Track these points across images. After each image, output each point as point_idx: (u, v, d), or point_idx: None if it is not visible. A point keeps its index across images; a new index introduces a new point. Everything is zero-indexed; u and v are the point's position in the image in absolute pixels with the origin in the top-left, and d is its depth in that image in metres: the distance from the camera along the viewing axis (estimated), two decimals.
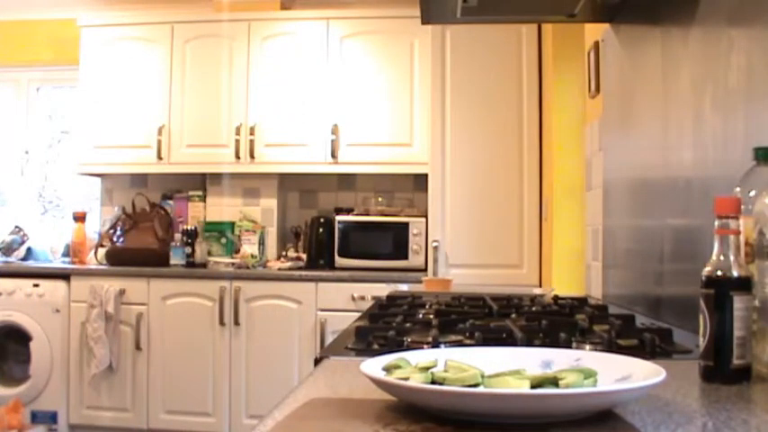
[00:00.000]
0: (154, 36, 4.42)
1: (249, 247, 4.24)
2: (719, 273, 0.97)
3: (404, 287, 2.92)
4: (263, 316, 3.91)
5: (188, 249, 4.23)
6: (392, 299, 2.02)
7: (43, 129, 4.98)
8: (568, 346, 1.21)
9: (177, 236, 4.34)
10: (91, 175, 4.69)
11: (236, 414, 3.90)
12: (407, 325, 1.46)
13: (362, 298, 3.73)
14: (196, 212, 4.47)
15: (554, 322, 1.48)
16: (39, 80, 4.96)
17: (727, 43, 1.40)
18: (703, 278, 0.98)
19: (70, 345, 4.02)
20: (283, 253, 4.42)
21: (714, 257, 0.98)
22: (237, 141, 4.24)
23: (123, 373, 3.97)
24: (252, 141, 4.23)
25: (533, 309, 1.79)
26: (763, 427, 0.76)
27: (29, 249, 4.48)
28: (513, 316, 1.64)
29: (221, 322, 3.92)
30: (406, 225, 4.06)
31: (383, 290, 3.02)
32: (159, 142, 4.33)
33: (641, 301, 1.99)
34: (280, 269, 4.06)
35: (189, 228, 4.28)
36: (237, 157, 4.24)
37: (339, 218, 4.17)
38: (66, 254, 4.53)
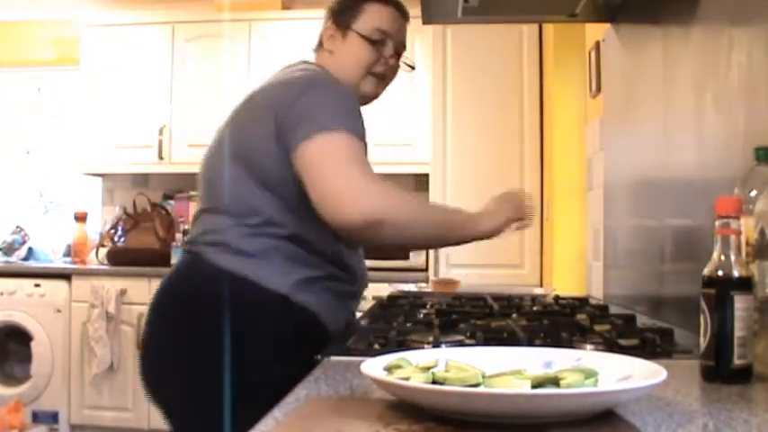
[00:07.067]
0: (155, 36, 4.42)
1: None
2: (720, 273, 0.97)
3: (411, 287, 2.92)
4: None
5: None
6: (393, 299, 2.02)
7: (44, 129, 4.98)
8: (569, 346, 1.21)
9: (178, 236, 4.34)
10: (92, 175, 4.69)
11: None
12: (408, 325, 1.47)
13: (363, 298, 3.72)
14: None
15: (555, 322, 1.48)
16: (40, 80, 4.96)
17: (728, 43, 1.40)
18: (704, 278, 0.98)
19: (71, 345, 4.02)
20: None
21: (715, 257, 0.98)
22: None
23: (124, 373, 3.97)
24: None
25: (534, 309, 1.79)
26: (763, 427, 0.76)
27: (30, 249, 4.48)
28: (515, 316, 1.64)
29: None
30: None
31: (384, 290, 3.02)
32: (160, 142, 4.33)
33: (642, 300, 1.99)
34: None
35: (190, 228, 4.27)
36: None
37: None
38: (67, 254, 4.53)
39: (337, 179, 1.39)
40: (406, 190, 1.55)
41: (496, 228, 1.59)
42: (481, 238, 1.60)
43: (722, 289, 0.96)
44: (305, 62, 1.71)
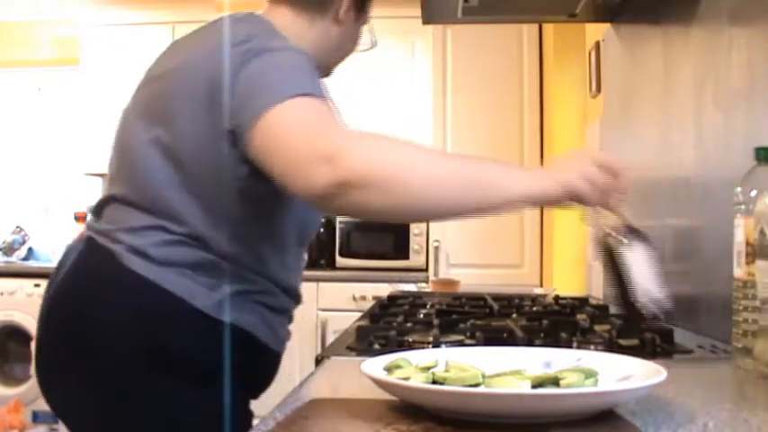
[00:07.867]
0: (155, 36, 4.42)
1: None
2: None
3: (411, 287, 2.93)
4: None
5: None
6: (393, 299, 2.02)
7: (44, 129, 4.98)
8: (569, 346, 1.21)
9: None
10: (92, 175, 4.69)
11: None
12: (408, 325, 1.46)
13: (363, 298, 3.73)
14: None
15: (555, 322, 1.48)
16: (40, 80, 4.96)
17: (728, 42, 1.40)
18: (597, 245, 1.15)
19: None
20: None
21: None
22: None
23: None
24: None
25: (534, 309, 1.79)
26: (763, 427, 0.76)
27: (30, 249, 4.48)
28: (514, 316, 1.64)
29: None
30: (407, 225, 4.05)
31: (384, 290, 3.03)
32: None
33: None
34: None
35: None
36: None
37: (340, 217, 4.17)
38: None
39: (294, 142, 1.10)
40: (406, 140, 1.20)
41: (554, 186, 1.12)
42: (533, 202, 1.14)
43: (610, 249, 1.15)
44: (255, 18, 1.40)
